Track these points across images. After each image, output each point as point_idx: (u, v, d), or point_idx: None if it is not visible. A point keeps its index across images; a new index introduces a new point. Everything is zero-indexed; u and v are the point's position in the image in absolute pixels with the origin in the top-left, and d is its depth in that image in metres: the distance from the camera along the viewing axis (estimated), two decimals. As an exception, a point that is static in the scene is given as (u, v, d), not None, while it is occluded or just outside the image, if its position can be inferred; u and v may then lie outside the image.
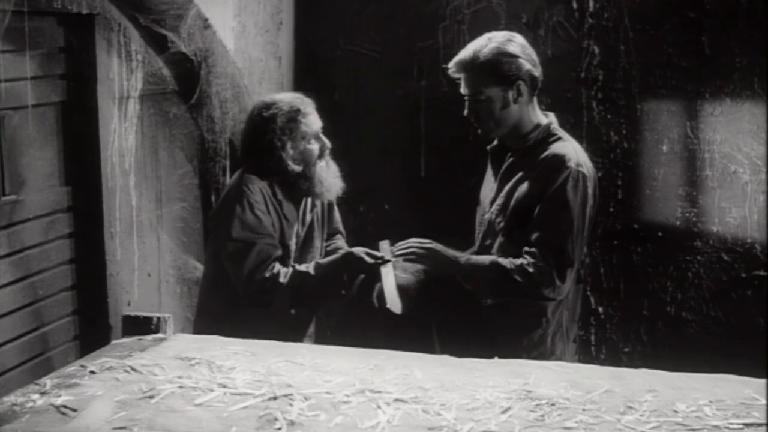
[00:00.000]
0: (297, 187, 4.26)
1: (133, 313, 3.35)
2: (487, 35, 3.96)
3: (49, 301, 4.42)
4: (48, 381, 2.90)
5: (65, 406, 2.67)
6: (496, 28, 5.10)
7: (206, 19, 4.69)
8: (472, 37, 5.18)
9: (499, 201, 3.93)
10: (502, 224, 3.89)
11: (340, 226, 4.69)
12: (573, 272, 3.82)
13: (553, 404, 2.67)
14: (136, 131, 4.68)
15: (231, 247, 4.12)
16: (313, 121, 4.27)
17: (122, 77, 4.57)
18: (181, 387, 2.77)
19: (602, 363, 4.46)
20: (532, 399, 2.70)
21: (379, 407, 2.62)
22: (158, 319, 3.28)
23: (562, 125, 5.13)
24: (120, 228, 4.62)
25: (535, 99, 3.97)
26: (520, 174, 3.89)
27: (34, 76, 4.16)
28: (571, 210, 3.76)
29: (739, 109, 5.03)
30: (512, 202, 3.87)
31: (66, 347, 4.53)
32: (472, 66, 3.89)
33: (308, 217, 4.36)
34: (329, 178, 4.28)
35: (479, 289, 3.87)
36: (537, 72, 3.92)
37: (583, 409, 2.65)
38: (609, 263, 5.30)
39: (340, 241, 4.64)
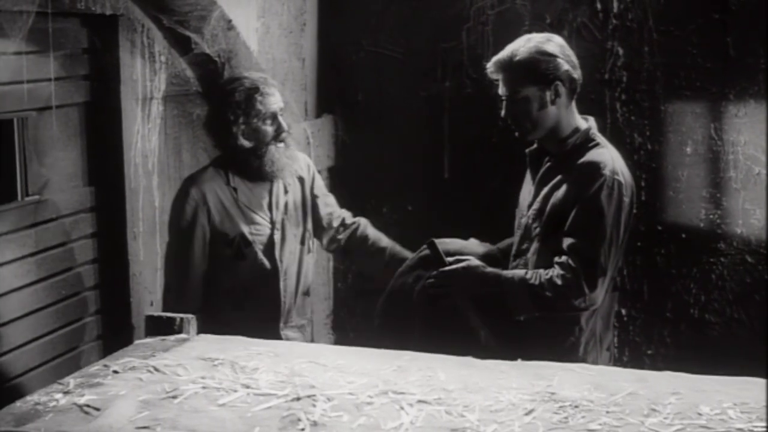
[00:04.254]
0: (249, 165, 4.25)
1: (156, 313, 3.35)
2: (526, 36, 3.92)
3: (73, 300, 4.43)
4: (71, 380, 2.91)
5: (88, 406, 2.67)
6: (520, 30, 5.13)
7: (230, 21, 4.69)
8: (496, 39, 5.23)
9: (536, 206, 3.88)
10: (538, 229, 3.84)
11: (338, 211, 4.67)
12: (606, 281, 3.74)
13: (576, 406, 2.66)
14: (159, 132, 4.69)
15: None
16: (271, 102, 4.24)
17: (146, 78, 4.58)
18: (204, 387, 2.77)
19: (625, 365, 4.44)
20: (555, 401, 2.70)
21: (402, 408, 2.61)
22: (181, 319, 3.28)
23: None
24: (143, 228, 4.62)
25: (573, 102, 3.91)
26: (557, 179, 3.83)
27: (57, 77, 4.17)
28: (605, 218, 3.69)
29: (764, 110, 5.00)
30: (548, 208, 3.81)
31: (89, 347, 4.55)
32: (509, 65, 3.83)
33: (282, 201, 4.34)
34: (282, 158, 4.23)
35: (510, 306, 3.78)
36: (576, 74, 3.88)
37: (607, 412, 2.64)
38: (632, 265, 5.28)
39: (368, 228, 4.65)
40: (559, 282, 3.67)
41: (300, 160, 4.43)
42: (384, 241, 4.61)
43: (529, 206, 3.93)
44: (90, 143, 4.49)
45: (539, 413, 2.61)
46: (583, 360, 3.79)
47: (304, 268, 4.42)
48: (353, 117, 5.60)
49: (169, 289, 4.27)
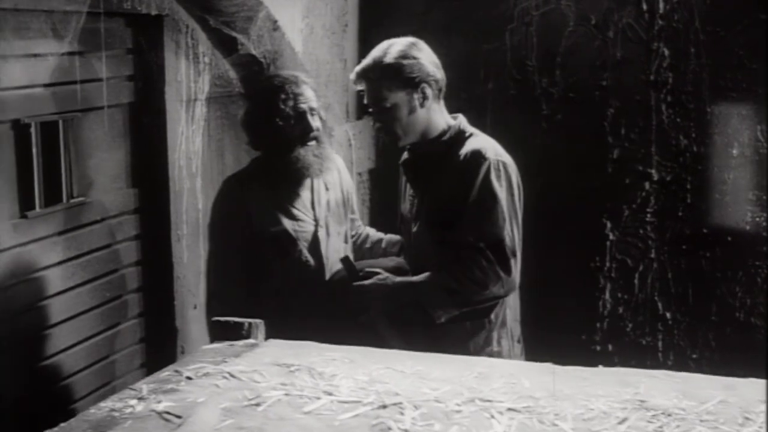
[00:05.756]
0: (276, 164, 4.20)
1: (223, 318, 3.29)
2: (386, 42, 3.88)
3: (116, 303, 4.40)
4: (144, 386, 2.85)
5: (168, 413, 2.61)
6: (565, 31, 5.09)
7: (275, 21, 4.65)
8: (540, 40, 5.19)
9: (424, 212, 3.86)
10: (432, 233, 3.82)
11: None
12: (518, 262, 3.73)
13: (669, 415, 2.60)
14: (203, 134, 4.65)
15: None
16: (299, 101, 4.19)
17: (190, 79, 4.54)
18: (286, 394, 2.71)
19: (669, 369, 4.39)
20: (647, 409, 2.64)
21: (492, 417, 2.56)
22: (249, 324, 3.22)
23: (629, 128, 5.12)
24: (186, 231, 4.58)
25: (442, 102, 3.90)
26: (439, 179, 3.82)
27: (101, 77, 4.13)
28: (500, 200, 3.69)
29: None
30: (438, 209, 3.80)
31: (132, 350, 4.51)
32: (374, 72, 3.81)
33: (323, 199, 4.28)
34: (308, 157, 4.15)
35: (429, 310, 3.72)
36: (440, 74, 3.86)
37: (701, 420, 2.58)
38: (677, 268, 5.24)
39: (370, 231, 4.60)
40: (473, 273, 3.65)
41: (336, 161, 4.34)
42: (380, 234, 4.57)
43: (417, 216, 3.90)
44: (134, 144, 4.45)
45: (633, 422, 2.55)
46: (498, 353, 3.79)
47: None
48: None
49: (214, 293, 4.20)
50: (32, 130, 3.83)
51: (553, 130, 5.30)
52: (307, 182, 4.14)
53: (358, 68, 3.87)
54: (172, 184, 4.49)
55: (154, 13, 4.24)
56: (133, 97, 4.41)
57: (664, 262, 5.25)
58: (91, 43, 4.01)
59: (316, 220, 4.15)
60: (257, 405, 2.65)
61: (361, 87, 3.89)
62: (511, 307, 3.89)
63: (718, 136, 5.13)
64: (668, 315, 5.28)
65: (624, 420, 2.56)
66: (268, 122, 4.05)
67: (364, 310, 3.81)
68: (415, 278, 3.79)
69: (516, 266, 3.72)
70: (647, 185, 5.24)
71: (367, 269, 3.91)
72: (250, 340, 3.21)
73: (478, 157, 3.74)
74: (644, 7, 5.14)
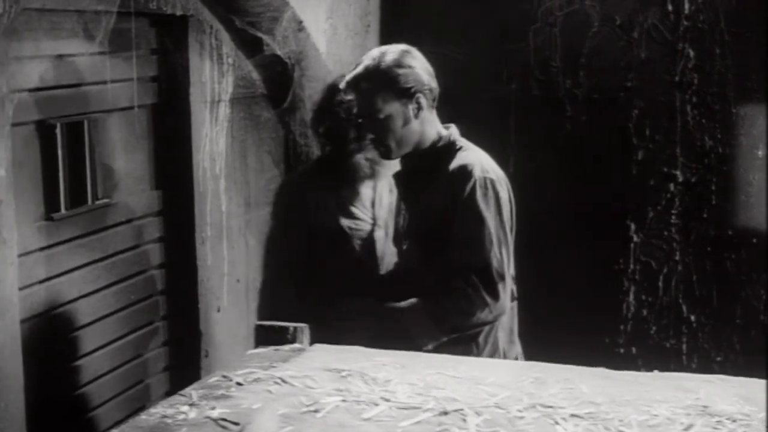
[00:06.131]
0: (334, 164, 4.17)
1: (267, 323, 3.25)
2: (378, 49, 3.75)
3: (140, 306, 4.36)
4: (193, 392, 2.79)
5: (224, 419, 2.57)
6: (589, 31, 5.06)
7: (300, 22, 4.62)
8: (564, 40, 5.15)
9: (413, 228, 3.78)
10: (420, 252, 3.73)
11: None
12: (507, 286, 3.59)
13: (734, 421, 2.57)
14: (227, 135, 4.61)
15: None
16: (352, 103, 4.17)
17: (214, 80, 4.50)
18: (344, 400, 2.67)
19: (693, 372, 4.37)
20: (710, 415, 2.61)
21: (557, 423, 2.52)
22: (294, 328, 3.18)
23: (654, 129, 5.09)
24: (210, 233, 4.54)
25: (434, 112, 3.76)
26: (428, 194, 3.69)
27: (127, 78, 4.09)
28: (486, 221, 3.55)
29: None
30: (426, 227, 3.70)
31: (156, 353, 4.46)
32: (367, 82, 3.66)
33: (386, 200, 4.25)
34: (374, 157, 4.13)
35: (415, 337, 3.59)
36: (434, 83, 3.72)
37: (768, 426, 2.55)
38: (702, 270, 5.21)
39: None
40: (459, 301, 3.53)
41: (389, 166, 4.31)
42: None
43: (406, 232, 3.83)
44: (158, 146, 4.41)
45: (699, 428, 2.52)
46: None
47: None
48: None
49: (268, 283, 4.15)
50: (57, 131, 3.78)
51: (576, 132, 5.27)
52: (370, 182, 4.12)
53: (348, 77, 3.72)
54: (196, 185, 4.45)
55: (179, 13, 4.19)
56: (156, 98, 4.36)
57: (689, 265, 5.22)
58: (116, 43, 3.97)
59: (374, 219, 4.13)
60: (315, 411, 2.61)
61: (350, 97, 3.78)
62: (505, 329, 3.75)
63: (744, 137, 5.10)
64: (692, 318, 5.25)
65: (690, 426, 2.53)
66: (327, 123, 4.03)
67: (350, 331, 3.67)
68: (401, 304, 3.66)
69: (505, 290, 3.57)
70: (672, 187, 5.21)
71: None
72: (296, 345, 3.17)
73: (464, 173, 3.59)
74: (669, 7, 5.11)
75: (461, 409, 2.60)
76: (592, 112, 5.28)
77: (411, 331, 3.60)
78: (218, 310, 4.62)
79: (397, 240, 3.97)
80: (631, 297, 5.31)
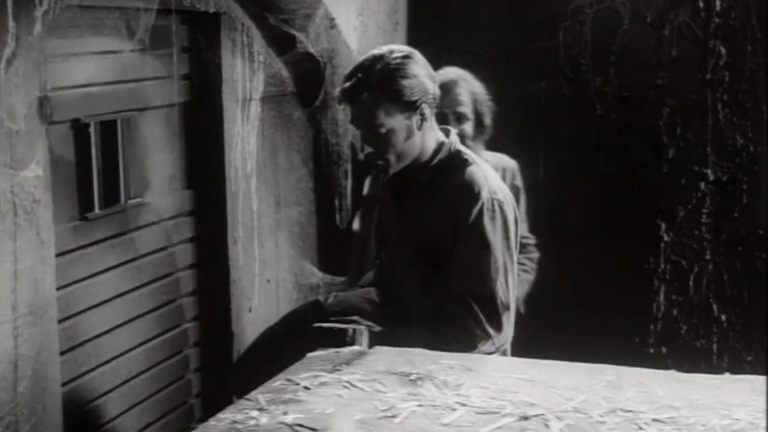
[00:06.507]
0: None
1: (326, 324, 3.19)
2: (375, 54, 3.35)
3: (172, 306, 4.32)
4: (260, 396, 2.73)
5: (300, 425, 2.51)
6: (619, 29, 5.03)
7: (332, 19, 4.59)
8: (594, 38, 5.12)
9: (409, 244, 3.48)
10: (416, 271, 3.45)
11: None
12: (511, 315, 3.36)
13: (816, 423, 2.53)
14: (258, 134, 4.57)
15: None
16: (448, 103, 4.12)
17: (245, 78, 4.46)
18: (420, 405, 2.61)
19: (723, 372, 4.35)
20: (793, 418, 2.57)
21: (640, 429, 2.47)
22: (354, 330, 3.13)
23: (685, 128, 5.06)
24: (242, 233, 4.50)
25: (434, 117, 3.44)
26: (429, 209, 3.41)
27: (159, 76, 4.07)
28: (493, 249, 3.30)
29: None
30: (425, 244, 3.42)
31: (186, 354, 4.42)
32: (367, 94, 3.29)
33: None
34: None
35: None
36: (437, 88, 3.39)
37: None
38: (732, 269, 5.19)
39: None
40: (459, 333, 3.30)
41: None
42: None
43: (398, 246, 3.56)
44: (190, 145, 4.36)
45: (785, 432, 2.49)
46: None
47: None
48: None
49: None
50: (91, 129, 3.74)
51: (607, 130, 5.24)
52: None
53: (345, 86, 3.34)
54: (228, 185, 4.40)
55: (212, 11, 4.15)
56: (188, 96, 4.32)
57: (720, 264, 5.20)
58: (153, 41, 3.93)
59: None
60: (393, 417, 2.55)
61: (346, 105, 3.49)
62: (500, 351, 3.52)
63: (775, 135, 5.09)
64: (723, 317, 5.23)
65: (775, 430, 2.49)
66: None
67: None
68: (400, 330, 3.41)
69: (509, 320, 3.35)
70: (703, 185, 5.19)
71: (342, 318, 3.53)
72: (356, 347, 3.11)
73: (470, 194, 3.32)
74: (700, 4, 5.09)
75: (542, 414, 2.55)
76: (622, 111, 5.26)
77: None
78: (249, 311, 4.59)
79: (385, 249, 3.70)
80: (662, 296, 5.29)
